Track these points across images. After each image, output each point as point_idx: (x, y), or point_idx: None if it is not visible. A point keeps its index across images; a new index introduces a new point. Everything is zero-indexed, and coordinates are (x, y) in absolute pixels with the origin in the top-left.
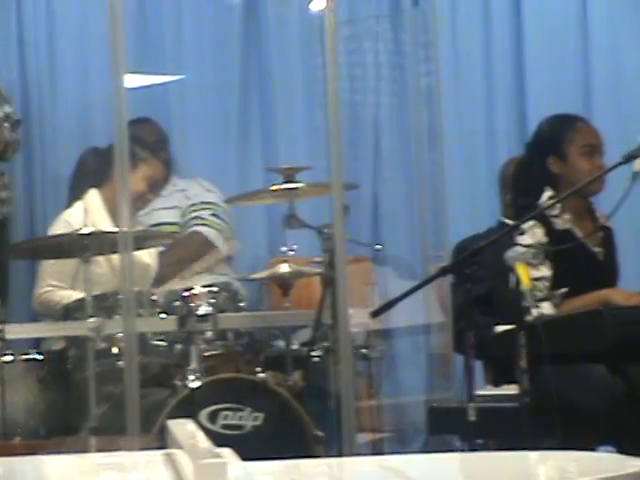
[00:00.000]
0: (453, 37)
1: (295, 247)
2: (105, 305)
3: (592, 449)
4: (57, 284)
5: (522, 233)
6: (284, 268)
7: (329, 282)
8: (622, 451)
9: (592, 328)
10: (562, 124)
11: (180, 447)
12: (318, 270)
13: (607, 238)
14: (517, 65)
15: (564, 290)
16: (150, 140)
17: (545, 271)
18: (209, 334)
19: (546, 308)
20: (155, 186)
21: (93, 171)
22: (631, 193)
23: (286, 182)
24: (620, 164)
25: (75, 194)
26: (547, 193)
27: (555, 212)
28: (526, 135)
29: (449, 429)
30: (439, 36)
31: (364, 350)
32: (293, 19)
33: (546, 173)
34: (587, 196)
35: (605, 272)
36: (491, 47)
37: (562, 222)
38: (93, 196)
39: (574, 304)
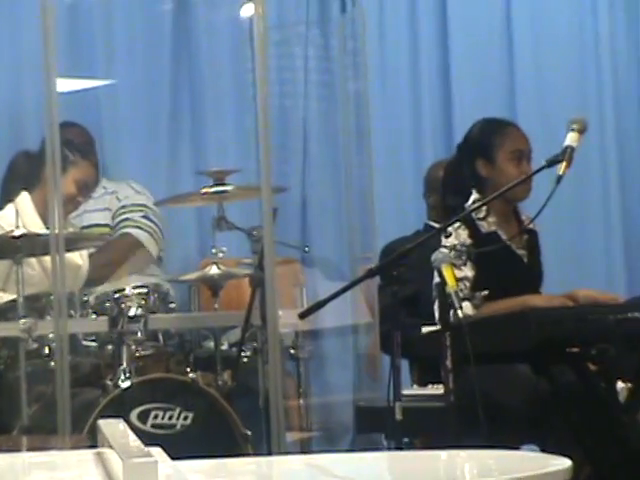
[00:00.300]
0: (380, 43)
1: (224, 249)
2: (37, 306)
3: (516, 448)
4: None
5: (448, 235)
6: (214, 270)
7: (258, 283)
8: (545, 450)
9: (516, 329)
10: (493, 128)
11: (111, 446)
12: (247, 272)
13: (531, 241)
14: (443, 70)
15: (485, 292)
16: (78, 143)
17: (467, 272)
18: (140, 335)
19: (466, 308)
20: (85, 188)
21: (24, 174)
22: (554, 197)
23: (216, 185)
24: (543, 168)
25: (6, 196)
26: (474, 196)
27: (481, 215)
28: (452, 139)
29: (376, 428)
30: (367, 42)
31: (292, 350)
32: (223, 24)
33: (474, 175)
34: (513, 202)
35: (529, 274)
36: (418, 53)
37: (487, 225)
38: (24, 198)
39: (494, 307)
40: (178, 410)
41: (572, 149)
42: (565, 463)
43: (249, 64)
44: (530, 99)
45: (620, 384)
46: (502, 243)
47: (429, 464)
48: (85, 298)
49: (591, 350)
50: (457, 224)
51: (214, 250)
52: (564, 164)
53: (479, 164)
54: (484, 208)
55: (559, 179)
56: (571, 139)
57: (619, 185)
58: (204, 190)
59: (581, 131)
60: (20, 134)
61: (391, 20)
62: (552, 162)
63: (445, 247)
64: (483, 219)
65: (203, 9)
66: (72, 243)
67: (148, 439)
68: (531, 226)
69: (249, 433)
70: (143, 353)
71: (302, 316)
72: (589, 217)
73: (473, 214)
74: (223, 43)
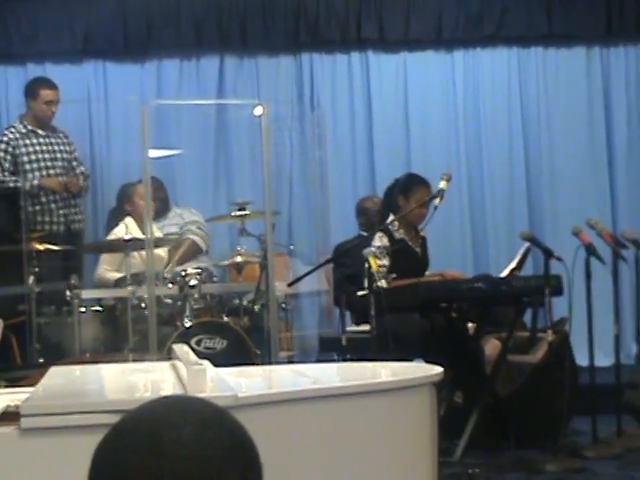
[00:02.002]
0: (334, 128)
1: (245, 247)
2: (137, 279)
3: (411, 361)
4: (109, 268)
5: (374, 239)
6: (239, 259)
7: (264, 267)
8: (428, 362)
9: (411, 293)
10: (414, 180)
11: (180, 360)
12: (258, 260)
13: (423, 243)
14: (369, 142)
15: (394, 275)
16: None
17: (385, 262)
18: (196, 296)
19: (383, 283)
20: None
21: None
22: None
23: (240, 210)
24: (428, 201)
25: (117, 220)
26: (391, 217)
27: (395, 228)
28: (374, 187)
29: (331, 349)
30: (326, 127)
31: (284, 305)
32: (244, 117)
33: (395, 205)
34: (413, 223)
35: (421, 263)
36: (355, 133)
37: (399, 234)
38: (129, 220)
39: (400, 282)
40: (218, 339)
41: (443, 191)
42: (439, 369)
43: (259, 141)
44: (420, 161)
45: (470, 324)
46: (407, 245)
47: (361, 369)
48: (165, 275)
49: (453, 305)
50: (380, 233)
51: (239, 247)
52: (438, 200)
53: (400, 198)
54: (396, 223)
55: (435, 208)
56: (442, 185)
57: (468, 204)
58: (233, 213)
59: (448, 180)
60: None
61: (340, 114)
62: (432, 198)
63: (372, 246)
64: (396, 230)
65: (233, 109)
66: (158, 243)
67: (201, 356)
68: (423, 234)
69: (259, 352)
70: (198, 306)
71: (289, 285)
72: (453, 226)
73: (390, 227)
74: (244, 129)
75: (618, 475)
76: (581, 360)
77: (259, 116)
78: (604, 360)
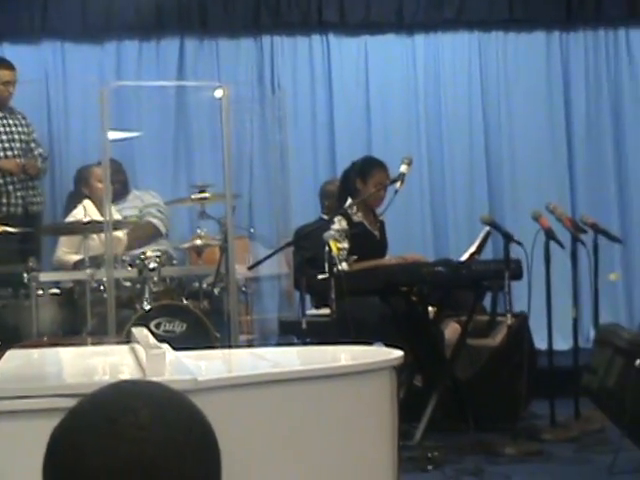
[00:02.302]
0: (294, 110)
1: (205, 230)
2: (96, 262)
3: (371, 344)
4: (67, 250)
5: (334, 223)
6: (199, 241)
7: (224, 250)
8: (388, 346)
9: (371, 277)
10: (371, 163)
11: (139, 343)
12: (218, 243)
13: (381, 227)
14: (330, 124)
15: (355, 257)
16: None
17: (345, 245)
18: (155, 279)
19: (344, 266)
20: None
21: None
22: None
23: (200, 192)
24: (388, 185)
25: (75, 203)
26: (349, 201)
27: (353, 211)
28: (335, 169)
29: (291, 333)
30: (287, 110)
31: (244, 288)
32: (205, 100)
33: (353, 189)
34: (371, 206)
35: (380, 246)
36: (316, 116)
37: (357, 217)
38: (88, 202)
39: (360, 265)
40: (177, 322)
41: (404, 174)
42: (399, 353)
43: (219, 124)
44: (381, 145)
45: (430, 308)
46: (365, 228)
47: (321, 352)
48: (124, 258)
49: (413, 289)
50: (339, 216)
51: (199, 230)
52: (399, 183)
53: (357, 181)
54: (355, 207)
55: (396, 192)
56: (403, 168)
57: (429, 188)
58: (193, 196)
59: (409, 164)
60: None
61: (302, 97)
62: (392, 182)
63: (332, 230)
64: (355, 214)
65: (193, 91)
66: (117, 226)
67: (160, 339)
68: (381, 218)
69: (218, 335)
70: (157, 289)
71: (249, 268)
72: (413, 210)
73: (349, 210)
74: (204, 111)
75: (575, 458)
76: (540, 343)
77: (219, 98)
78: (562, 343)
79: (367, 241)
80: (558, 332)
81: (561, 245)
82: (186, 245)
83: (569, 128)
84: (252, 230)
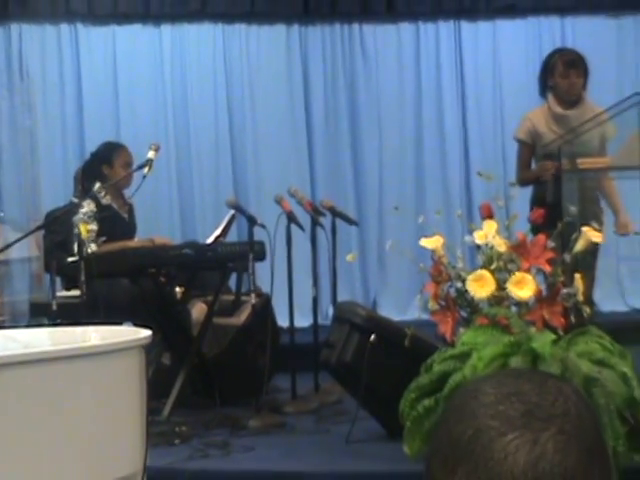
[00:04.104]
0: (44, 97)
1: None
2: None
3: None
4: None
5: (83, 207)
6: None
7: None
8: (137, 326)
9: (121, 258)
10: (112, 146)
11: None
12: None
13: (130, 210)
14: (78, 112)
15: (104, 238)
16: None
17: (94, 227)
18: None
19: (93, 247)
20: None
21: None
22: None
23: None
24: (135, 170)
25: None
26: (97, 184)
27: (102, 194)
28: (83, 154)
29: (42, 314)
30: (36, 97)
31: None
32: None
33: (100, 174)
34: (120, 188)
35: (129, 228)
36: (64, 106)
37: (106, 200)
38: None
39: (109, 247)
40: None
41: (151, 160)
42: (147, 332)
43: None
44: (129, 133)
45: (177, 289)
46: (114, 211)
47: (71, 334)
48: None
49: (161, 270)
50: (88, 200)
51: None
52: (147, 169)
53: (104, 167)
54: (103, 191)
55: (144, 177)
56: (151, 154)
57: (176, 173)
58: None
59: (156, 150)
60: None
61: (50, 85)
62: (140, 167)
63: (81, 213)
64: (103, 197)
65: None
66: None
67: None
68: (130, 201)
69: None
70: None
71: None
72: (161, 194)
73: (97, 193)
74: None
75: (315, 428)
76: (282, 321)
77: None
78: (303, 321)
79: (116, 223)
80: (299, 310)
81: (301, 228)
82: None
83: (308, 118)
84: (1, 214)
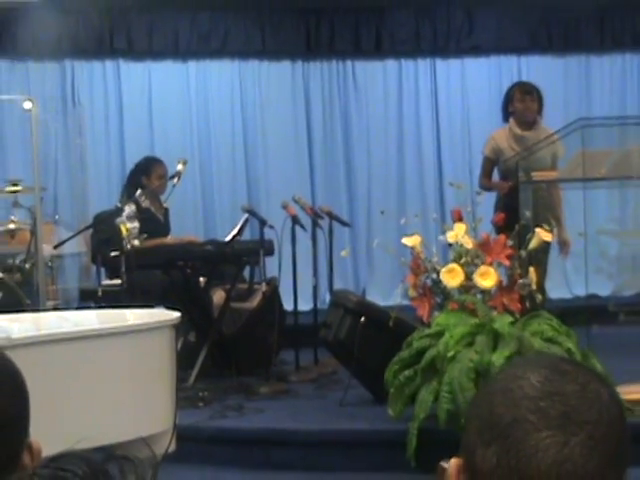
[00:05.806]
0: (92, 121)
1: (17, 217)
2: None
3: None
4: None
5: (124, 210)
6: (12, 226)
7: (33, 233)
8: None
9: (155, 253)
10: (150, 160)
11: None
12: (28, 227)
13: (166, 212)
14: (120, 133)
15: (145, 235)
16: None
17: (136, 225)
18: None
19: (135, 243)
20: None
21: None
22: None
23: (13, 185)
24: (169, 179)
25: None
26: (139, 191)
27: (142, 199)
28: (124, 168)
29: (89, 299)
30: (85, 119)
31: (49, 263)
32: (15, 111)
33: (140, 183)
34: (157, 195)
35: (164, 228)
36: (109, 129)
37: (145, 204)
38: None
39: (150, 243)
40: None
41: (180, 172)
42: (177, 314)
43: (29, 132)
44: (162, 148)
45: (201, 279)
46: (152, 213)
47: (114, 315)
48: None
49: (188, 263)
50: (130, 203)
51: (12, 217)
52: (176, 179)
53: (143, 178)
54: (143, 196)
55: (174, 186)
56: (180, 168)
57: (200, 183)
58: (7, 189)
59: (184, 164)
60: None
61: (97, 110)
62: (171, 177)
63: (123, 215)
64: (143, 201)
65: (7, 104)
66: None
67: None
68: (165, 205)
69: (29, 302)
70: None
71: (55, 247)
72: (187, 200)
73: (138, 199)
74: (16, 120)
75: (315, 394)
76: (288, 305)
77: (29, 110)
78: (305, 305)
79: (153, 224)
80: (302, 296)
81: (304, 228)
82: (1, 229)
83: (310, 138)
84: (57, 217)
